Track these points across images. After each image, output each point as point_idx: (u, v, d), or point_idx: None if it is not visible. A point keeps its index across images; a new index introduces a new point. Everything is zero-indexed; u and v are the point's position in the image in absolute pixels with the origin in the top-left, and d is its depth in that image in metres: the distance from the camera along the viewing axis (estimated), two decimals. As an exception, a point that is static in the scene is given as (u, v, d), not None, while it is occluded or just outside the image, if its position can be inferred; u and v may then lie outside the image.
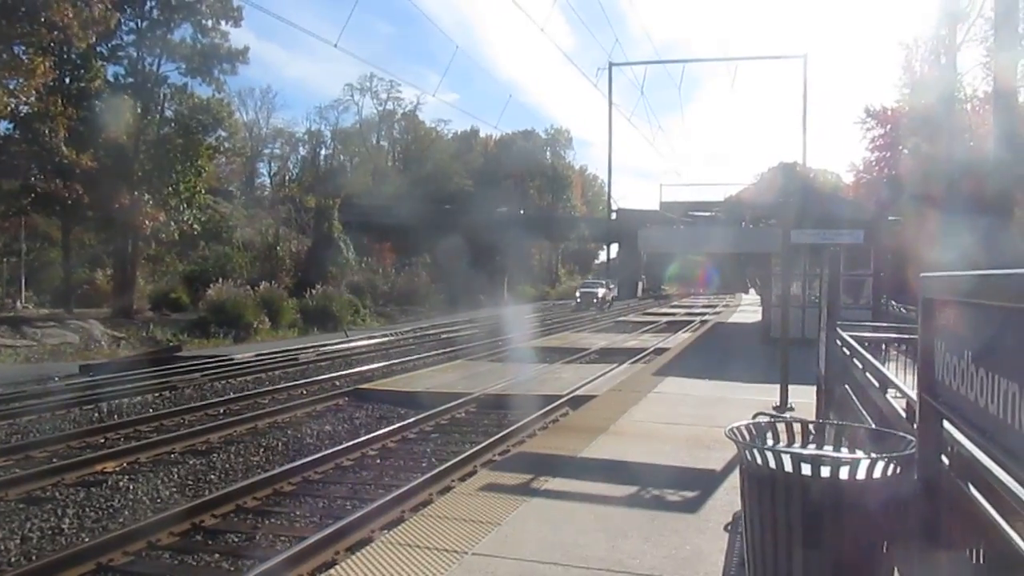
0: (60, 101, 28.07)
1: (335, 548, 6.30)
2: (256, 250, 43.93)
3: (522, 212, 70.91)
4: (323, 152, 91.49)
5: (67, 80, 29.85)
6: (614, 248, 71.36)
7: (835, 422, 4.18)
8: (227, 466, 9.68)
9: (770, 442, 3.42)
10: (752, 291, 60.44)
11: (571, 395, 13.36)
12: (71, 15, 25.74)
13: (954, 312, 2.10)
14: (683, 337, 25.97)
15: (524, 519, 5.68)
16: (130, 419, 12.36)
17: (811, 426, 3.60)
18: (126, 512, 7.78)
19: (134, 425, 11.85)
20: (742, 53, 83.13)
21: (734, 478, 5.64)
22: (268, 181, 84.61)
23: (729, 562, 4.79)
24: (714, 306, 53.58)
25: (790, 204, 17.27)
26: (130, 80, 31.94)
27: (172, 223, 32.19)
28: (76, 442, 10.69)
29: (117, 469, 9.24)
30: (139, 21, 31.47)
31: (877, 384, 4.56)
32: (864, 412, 4.81)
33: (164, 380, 16.24)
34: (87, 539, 6.84)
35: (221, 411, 13.26)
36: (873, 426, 4.10)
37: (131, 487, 8.57)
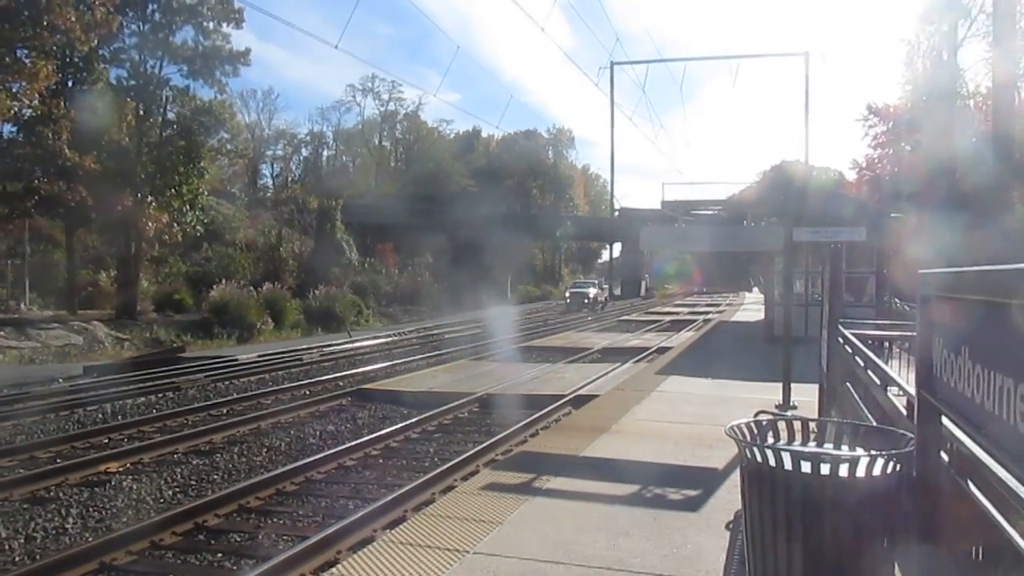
0: (63, 104, 28.09)
1: (337, 547, 6.31)
2: (259, 251, 43.95)
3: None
4: (325, 153, 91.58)
5: (70, 83, 29.85)
6: (617, 248, 71.44)
7: (836, 420, 4.19)
8: (230, 466, 9.69)
9: (771, 440, 3.43)
10: (755, 289, 60.53)
11: (573, 394, 13.37)
12: (73, 18, 25.79)
13: (951, 308, 2.10)
14: (686, 336, 25.96)
15: (526, 518, 5.68)
16: (133, 420, 12.38)
17: (812, 424, 3.60)
18: (129, 512, 7.80)
19: (138, 426, 11.87)
20: (744, 51, 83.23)
21: (736, 476, 5.65)
22: (270, 182, 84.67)
23: (730, 560, 4.79)
24: (717, 305, 53.51)
25: (792, 202, 17.26)
26: (132, 82, 31.95)
27: (175, 225, 32.22)
28: (80, 443, 10.72)
29: (120, 469, 9.26)
30: (141, 24, 31.48)
31: (878, 381, 4.56)
32: (866, 410, 4.81)
33: (168, 381, 16.26)
34: (91, 539, 6.86)
35: (224, 411, 13.29)
36: (875, 424, 4.10)
37: (134, 487, 8.59)
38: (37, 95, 26.84)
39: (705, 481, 6.61)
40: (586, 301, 47.74)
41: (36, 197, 28.06)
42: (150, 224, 30.37)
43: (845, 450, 3.30)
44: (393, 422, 12.02)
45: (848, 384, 5.79)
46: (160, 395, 15.11)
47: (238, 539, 6.94)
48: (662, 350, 20.87)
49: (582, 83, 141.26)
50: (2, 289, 33.01)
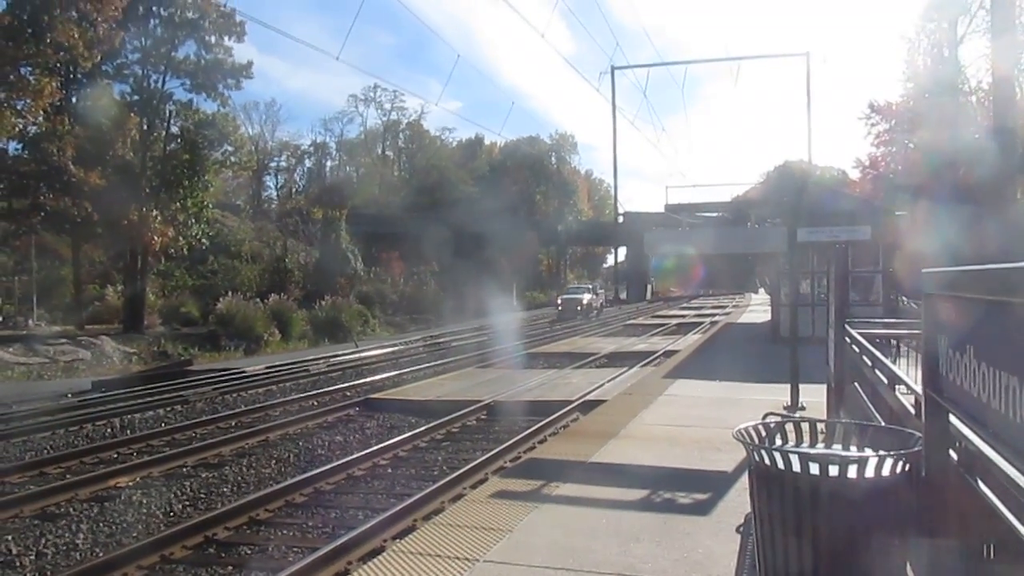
0: (67, 120, 28.27)
1: (347, 558, 6.31)
2: (264, 262, 44.07)
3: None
4: (328, 164, 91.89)
5: (74, 99, 30.05)
6: (622, 251, 71.46)
7: (845, 421, 4.17)
8: (239, 478, 9.70)
9: (780, 442, 3.42)
10: (761, 291, 60.44)
11: (581, 400, 13.35)
12: (76, 35, 25.97)
13: (955, 307, 2.09)
14: (693, 339, 25.92)
15: (535, 525, 5.67)
16: (142, 434, 12.39)
17: (821, 425, 3.59)
18: (139, 526, 7.81)
19: (146, 440, 11.89)
20: (744, 52, 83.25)
21: (746, 479, 5.63)
22: (275, 194, 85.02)
23: (741, 564, 4.77)
24: (724, 307, 53.40)
25: (796, 202, 17.23)
26: (136, 98, 32.12)
27: (180, 238, 32.33)
28: (89, 457, 10.73)
29: (130, 484, 9.27)
30: (143, 39, 31.65)
31: (886, 381, 4.55)
32: (874, 409, 4.79)
33: (176, 394, 16.29)
34: (101, 554, 6.87)
35: (233, 424, 13.30)
36: (883, 423, 4.08)
37: (144, 501, 8.60)
38: (42, 112, 27.02)
39: (714, 484, 6.59)
40: (579, 308, 44.42)
41: (42, 213, 28.23)
42: (156, 238, 30.46)
43: (854, 450, 3.28)
44: (401, 431, 12.01)
45: (856, 384, 5.77)
46: (168, 408, 15.14)
47: (248, 552, 6.94)
48: (669, 353, 20.84)
49: (583, 88, 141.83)
50: (10, 305, 33.14)
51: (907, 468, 2.87)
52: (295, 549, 6.91)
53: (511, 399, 14.07)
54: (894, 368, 4.67)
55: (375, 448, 10.47)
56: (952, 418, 2.33)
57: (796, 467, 2.97)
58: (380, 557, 5.28)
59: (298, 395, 16.28)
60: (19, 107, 26.36)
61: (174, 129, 33.75)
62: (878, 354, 5.25)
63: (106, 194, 27.91)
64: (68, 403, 15.78)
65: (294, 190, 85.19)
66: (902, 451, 2.92)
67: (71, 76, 29.55)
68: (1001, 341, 1.66)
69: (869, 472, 2.88)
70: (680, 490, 6.45)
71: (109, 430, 13.19)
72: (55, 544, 7.23)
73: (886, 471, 2.87)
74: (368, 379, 18.58)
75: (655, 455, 7.82)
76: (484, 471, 9.04)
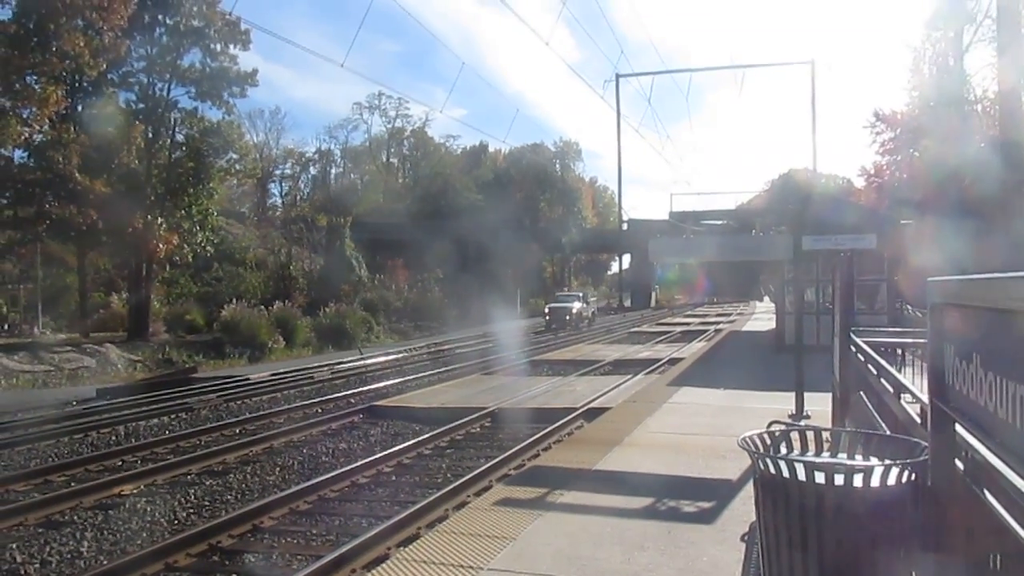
0: (73, 128, 28.38)
1: (351, 566, 6.30)
2: (269, 270, 44.16)
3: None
4: (333, 171, 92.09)
5: (79, 108, 30.17)
6: (626, 259, 71.45)
7: (850, 429, 4.16)
8: (243, 486, 9.70)
9: (785, 451, 3.41)
10: (766, 299, 60.38)
11: (585, 407, 13.34)
12: (82, 43, 26.07)
13: (961, 316, 2.09)
14: (697, 347, 25.88)
15: (539, 533, 5.66)
16: (147, 441, 12.41)
17: (826, 434, 3.58)
18: (144, 534, 7.81)
19: (151, 447, 11.90)
20: (749, 60, 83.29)
21: (750, 488, 5.62)
22: (279, 201, 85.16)
23: (746, 573, 4.76)
24: (728, 315, 53.34)
25: (801, 210, 17.22)
26: (141, 106, 32.23)
27: (185, 245, 32.40)
28: (94, 465, 10.74)
29: (135, 491, 9.28)
30: (149, 47, 31.77)
31: (891, 389, 4.53)
32: (879, 418, 4.78)
33: (180, 402, 16.31)
34: (105, 562, 6.86)
35: (237, 431, 13.31)
36: (888, 432, 4.07)
37: (148, 509, 8.61)
38: (47, 120, 27.13)
39: (719, 493, 6.57)
40: (568, 317, 41.63)
41: (47, 221, 28.29)
42: (161, 245, 30.53)
43: (859, 459, 3.27)
44: (405, 439, 12.01)
45: (861, 392, 5.75)
46: (173, 416, 15.16)
47: (252, 559, 6.94)
48: (673, 361, 20.80)
49: (588, 96, 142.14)
50: (15, 313, 33.24)
51: (913, 478, 2.86)
52: (299, 557, 6.90)
53: (515, 406, 14.07)
54: (900, 377, 4.66)
55: (379, 455, 10.47)
56: (958, 428, 2.32)
57: (801, 476, 2.96)
58: (384, 565, 5.28)
59: (302, 402, 16.29)
60: (25, 115, 26.46)
61: (179, 137, 33.86)
62: (883, 363, 5.24)
63: (111, 202, 27.98)
64: (73, 411, 15.80)
65: (299, 197, 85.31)
66: (908, 461, 2.91)
67: (77, 84, 29.66)
68: (1008, 351, 1.66)
69: (874, 482, 2.87)
70: (685, 498, 6.44)
71: (113, 438, 13.21)
72: (59, 552, 7.24)
73: (891, 481, 2.86)
74: (372, 386, 18.59)
75: (659, 463, 7.80)
76: (488, 479, 9.03)
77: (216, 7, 31.29)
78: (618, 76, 60.00)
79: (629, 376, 18.17)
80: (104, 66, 28.34)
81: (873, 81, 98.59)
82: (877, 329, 9.62)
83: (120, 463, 10.97)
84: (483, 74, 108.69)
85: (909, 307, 19.66)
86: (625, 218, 69.20)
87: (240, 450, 11.40)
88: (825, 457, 3.35)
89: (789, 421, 8.37)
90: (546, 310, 43.63)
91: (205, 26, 31.79)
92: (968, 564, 2.42)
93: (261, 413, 15.02)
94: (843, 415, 6.32)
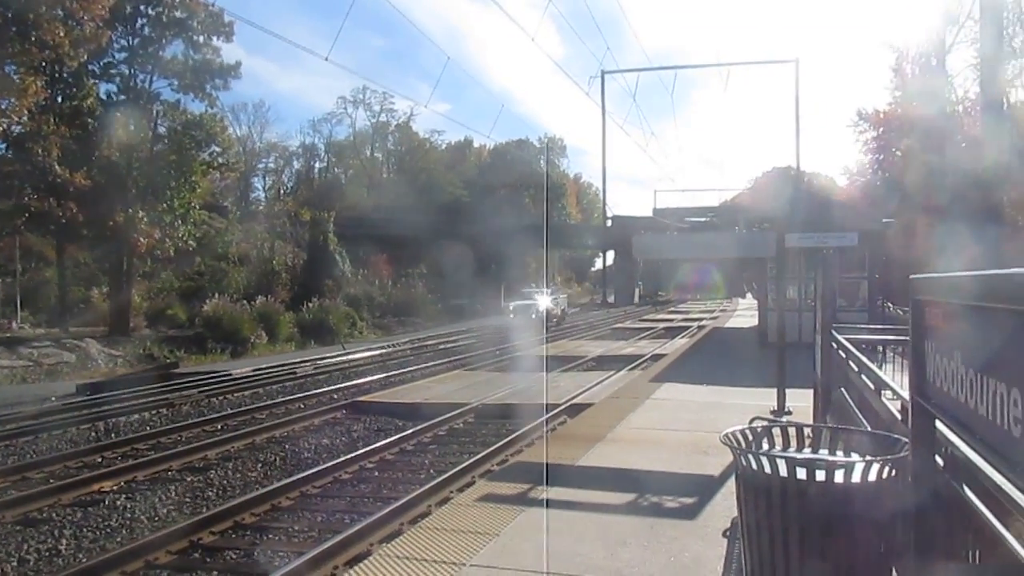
0: (52, 120, 28.06)
1: (334, 562, 6.28)
2: (252, 264, 43.84)
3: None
4: (317, 165, 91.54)
5: (59, 99, 29.82)
6: (610, 255, 71.58)
7: (831, 426, 4.18)
8: (225, 482, 9.64)
9: (766, 447, 3.42)
10: (748, 295, 60.71)
11: (569, 403, 13.34)
12: (63, 34, 25.76)
13: (944, 313, 2.10)
14: (680, 343, 25.96)
15: (523, 529, 5.66)
16: (127, 437, 12.31)
17: (808, 430, 3.60)
18: (124, 531, 7.74)
19: (131, 443, 11.80)
20: (734, 58, 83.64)
21: (733, 483, 5.65)
22: (263, 195, 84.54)
23: (728, 568, 4.78)
24: (711, 311, 53.54)
25: (784, 208, 17.30)
26: (123, 97, 31.92)
27: (167, 239, 32.14)
28: (73, 462, 10.64)
29: (114, 488, 9.19)
30: (131, 38, 31.49)
31: (872, 386, 4.56)
32: (860, 415, 4.81)
33: (161, 397, 16.19)
34: (84, 560, 6.81)
35: (219, 427, 13.22)
36: (869, 429, 4.10)
37: (128, 506, 8.53)
38: (26, 111, 26.77)
39: (702, 488, 6.60)
40: (534, 316, 37.65)
41: (27, 214, 28.01)
42: (142, 239, 30.28)
43: (840, 455, 3.29)
44: (388, 434, 11.98)
45: (843, 389, 5.79)
46: (154, 412, 15.04)
47: (234, 556, 6.90)
48: (656, 357, 20.86)
49: (573, 92, 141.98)
50: (-7, 307, 32.87)
51: (893, 474, 2.88)
52: (281, 554, 6.87)
53: (498, 402, 14.06)
54: (880, 374, 4.69)
55: (362, 451, 10.44)
56: (938, 424, 2.33)
57: (783, 471, 2.98)
58: (366, 561, 5.26)
59: (284, 398, 16.21)
60: (3, 106, 26.13)
61: (161, 129, 33.59)
62: (865, 359, 5.28)
63: (91, 195, 27.75)
64: (51, 407, 15.65)
65: (282, 192, 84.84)
66: (888, 457, 2.93)
67: (56, 75, 29.32)
68: (989, 347, 1.66)
69: (855, 477, 2.89)
70: (667, 494, 6.45)
71: (93, 434, 13.09)
72: (37, 550, 7.16)
73: (872, 476, 2.88)
74: (355, 382, 18.52)
75: (642, 459, 7.82)
76: (471, 474, 9.02)
77: (199, -2, 31.06)
78: (603, 73, 60.18)
79: (612, 372, 18.20)
80: (85, 57, 28.01)
81: (857, 80, 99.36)
82: (858, 326, 9.70)
83: (100, 460, 10.87)
84: (468, 69, 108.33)
85: (890, 304, 19.83)
86: (609, 215, 69.44)
87: (221, 446, 11.33)
88: (806, 453, 3.37)
89: (771, 417, 8.45)
90: (510, 308, 39.25)
91: (188, 17, 31.52)
92: (947, 559, 2.44)
93: (243, 409, 14.93)
94: (824, 411, 6.37)
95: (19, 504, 8.29)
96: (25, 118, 27.23)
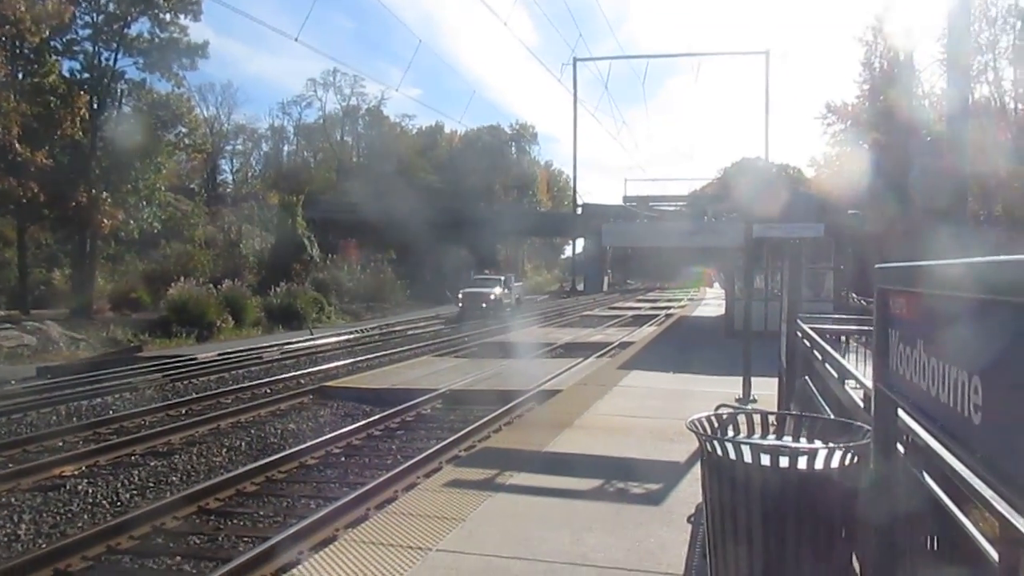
0: (12, 97, 27.42)
1: (298, 547, 6.24)
2: (219, 248, 43.32)
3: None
4: (286, 148, 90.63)
5: (20, 75, 29.15)
6: (579, 243, 71.79)
7: (796, 413, 4.23)
8: (189, 467, 9.54)
9: (732, 434, 3.45)
10: (716, 284, 61.26)
11: (536, 390, 13.38)
12: (23, 8, 25.19)
13: (907, 302, 2.12)
14: (648, 331, 26.13)
15: (489, 514, 5.67)
16: (89, 422, 12.12)
17: (772, 417, 3.64)
18: (85, 516, 7.63)
19: (93, 428, 11.62)
20: (705, 49, 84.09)
21: (698, 470, 5.71)
22: (230, 178, 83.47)
23: (692, 553, 4.83)
24: (679, 300, 53.94)
25: (751, 198, 17.45)
26: (86, 75, 31.33)
27: (131, 221, 31.66)
28: (33, 446, 10.45)
29: (76, 473, 9.06)
30: (95, 15, 30.89)
31: (836, 375, 4.62)
32: (824, 403, 4.87)
33: (124, 381, 15.95)
34: (44, 545, 6.70)
35: (183, 412, 13.07)
36: (832, 416, 4.15)
37: (90, 491, 8.41)
38: (-15, 88, 26.20)
39: (667, 475, 6.66)
40: (484, 305, 35.94)
41: (-14, 193, 27.41)
42: (105, 221, 29.78)
43: (804, 442, 3.34)
44: (355, 420, 11.93)
45: (807, 377, 5.86)
46: (116, 396, 14.81)
47: (198, 541, 6.84)
48: (624, 345, 20.98)
49: (545, 79, 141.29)
50: (-49, 288, 32.17)
51: (855, 460, 2.92)
52: (245, 539, 6.82)
53: (466, 388, 14.07)
54: (844, 363, 4.75)
55: (328, 436, 10.38)
56: (900, 412, 2.37)
57: (747, 458, 3.01)
58: (332, 546, 5.24)
59: (250, 383, 16.06)
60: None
61: (126, 109, 32.99)
62: (829, 349, 5.34)
63: (54, 174, 27.22)
64: (11, 390, 15.35)
65: (250, 175, 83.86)
66: (851, 444, 2.97)
67: (17, 51, 28.65)
68: (952, 335, 1.69)
69: (818, 464, 2.93)
70: (633, 480, 6.50)
71: (54, 418, 12.86)
72: (-5, 534, 7.04)
73: (835, 463, 2.92)
74: (322, 367, 18.41)
75: (609, 445, 7.87)
76: (438, 460, 9.02)
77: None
78: (576, 60, 60.07)
79: (580, 359, 18.27)
80: (47, 33, 27.43)
81: (826, 73, 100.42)
82: (823, 316, 9.82)
83: (61, 444, 10.69)
84: (440, 53, 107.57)
85: (854, 295, 20.10)
86: (580, 202, 69.56)
87: (186, 431, 11.20)
88: (771, 440, 3.41)
89: (736, 405, 8.53)
90: (459, 295, 37.41)
91: (154, -6, 30.97)
92: (907, 544, 2.48)
93: (208, 393, 14.77)
94: (789, 399, 6.44)
95: (-23, 488, 8.14)
96: (-16, 94, 26.65)
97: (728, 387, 10.33)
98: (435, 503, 5.95)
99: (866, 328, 7.65)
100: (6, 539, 6.97)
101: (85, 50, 31.38)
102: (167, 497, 7.85)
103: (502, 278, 40.99)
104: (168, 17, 31.82)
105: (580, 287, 66.57)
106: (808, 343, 6.06)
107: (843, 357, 5.56)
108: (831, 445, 3.01)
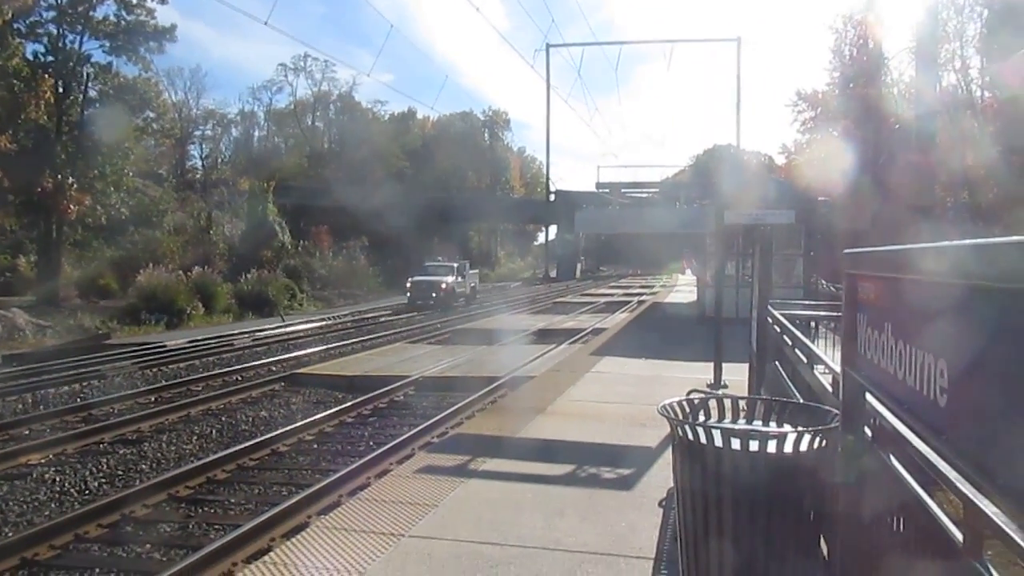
0: (-26, 80, 26.88)
1: (271, 535, 6.22)
2: (188, 234, 42.81)
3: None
4: (257, 134, 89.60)
5: (-18, 58, 28.52)
6: (552, 230, 71.84)
7: (766, 398, 4.28)
8: (159, 455, 9.44)
9: (703, 418, 3.48)
10: (688, 271, 61.67)
11: (509, 376, 13.39)
12: (-15, -11, 24.63)
13: (875, 287, 2.14)
14: (620, 318, 26.25)
15: (461, 500, 5.68)
16: (56, 410, 11.95)
17: (742, 402, 3.67)
18: (52, 505, 7.54)
19: (61, 415, 11.46)
20: (678, 35, 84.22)
21: (669, 455, 5.75)
22: (200, 163, 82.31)
23: (663, 537, 4.87)
24: (651, 287, 54.22)
25: (723, 185, 17.55)
26: (51, 59, 30.69)
27: (98, 207, 31.18)
28: (-2, 434, 10.30)
29: (43, 461, 8.93)
30: (59, -4, 30.25)
31: (805, 360, 4.67)
32: (793, 387, 4.93)
33: (92, 369, 15.74)
34: (11, 534, 6.60)
35: (152, 399, 12.92)
36: (801, 401, 4.20)
37: (57, 479, 8.29)
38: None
39: (639, 460, 6.70)
40: (435, 294, 32.85)
41: (-53, 178, 26.84)
42: (72, 206, 29.30)
43: (773, 427, 3.37)
44: (327, 407, 11.88)
45: (777, 363, 5.92)
46: (85, 384, 14.60)
47: (168, 529, 6.78)
48: (597, 331, 21.05)
49: (518, 65, 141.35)
50: (-88, 275, 31.49)
51: (824, 444, 2.96)
52: (216, 527, 6.78)
53: (439, 374, 14.06)
54: (813, 348, 4.81)
55: (300, 423, 10.33)
56: (868, 396, 2.40)
57: (718, 442, 3.03)
58: (304, 533, 5.23)
59: (221, 370, 15.92)
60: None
61: (92, 93, 32.40)
62: (799, 334, 5.40)
63: (18, 159, 26.71)
64: (-25, 377, 15.08)
65: (220, 160, 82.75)
66: (819, 428, 3.01)
67: (-21, 33, 28.01)
68: (918, 319, 1.71)
69: (788, 447, 2.96)
70: (605, 465, 6.54)
71: (21, 406, 12.66)
72: (-40, 523, 6.93)
73: (804, 447, 2.96)
74: (294, 354, 18.29)
75: (581, 431, 7.91)
76: (411, 446, 9.02)
77: (132, -43, 29.96)
78: (548, 46, 59.94)
79: (553, 346, 18.32)
80: (9, 15, 26.85)
81: (797, 61, 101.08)
82: (793, 302, 9.93)
83: (27, 432, 10.52)
84: (412, 39, 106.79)
85: (823, 282, 20.32)
86: (553, 189, 69.62)
87: (155, 418, 11.09)
88: (741, 424, 3.44)
89: (707, 390, 8.61)
90: (407, 284, 34.40)
91: (120, -24, 30.40)
92: (873, 525, 2.52)
93: (178, 381, 14.62)
94: (759, 384, 6.50)
95: (-60, 478, 8.00)
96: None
97: (700, 373, 10.42)
98: (408, 489, 5.95)
99: (835, 314, 7.73)
100: (-29, 529, 6.86)
101: (49, 32, 30.76)
102: (137, 485, 7.77)
103: (455, 265, 36.60)
104: (135, 0, 31.25)
105: (553, 274, 66.70)
106: (779, 329, 6.11)
107: (812, 342, 5.63)
108: (800, 429, 3.04)
